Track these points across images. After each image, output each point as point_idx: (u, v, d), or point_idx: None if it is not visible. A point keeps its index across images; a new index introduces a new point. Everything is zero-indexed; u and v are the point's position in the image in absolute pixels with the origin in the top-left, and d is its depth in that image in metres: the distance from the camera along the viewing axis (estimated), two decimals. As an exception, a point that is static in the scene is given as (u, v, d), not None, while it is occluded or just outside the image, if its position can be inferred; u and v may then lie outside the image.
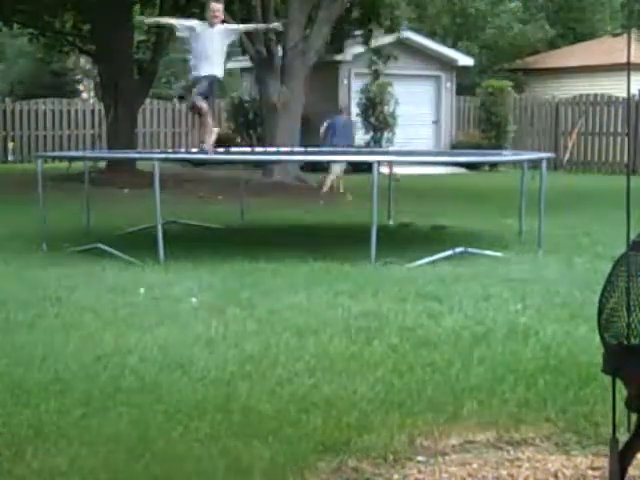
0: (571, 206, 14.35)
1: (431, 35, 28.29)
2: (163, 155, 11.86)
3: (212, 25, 9.80)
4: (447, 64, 26.63)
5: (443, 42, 28.34)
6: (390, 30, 20.92)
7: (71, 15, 22.79)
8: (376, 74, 21.67)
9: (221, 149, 13.63)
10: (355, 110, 25.03)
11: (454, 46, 28.23)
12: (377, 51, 21.37)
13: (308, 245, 10.09)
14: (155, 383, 4.95)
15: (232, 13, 19.04)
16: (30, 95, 28.66)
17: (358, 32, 21.50)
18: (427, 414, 4.45)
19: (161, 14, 20.79)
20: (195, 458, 3.93)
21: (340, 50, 21.71)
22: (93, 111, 26.85)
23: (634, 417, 3.25)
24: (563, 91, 26.90)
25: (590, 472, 3.86)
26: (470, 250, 9.45)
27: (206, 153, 10.48)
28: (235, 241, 10.85)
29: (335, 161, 15.80)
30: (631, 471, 3.37)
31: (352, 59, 23.55)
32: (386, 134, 24.78)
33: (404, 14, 21.49)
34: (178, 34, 10.20)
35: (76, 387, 4.86)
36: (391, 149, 21.35)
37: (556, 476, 3.83)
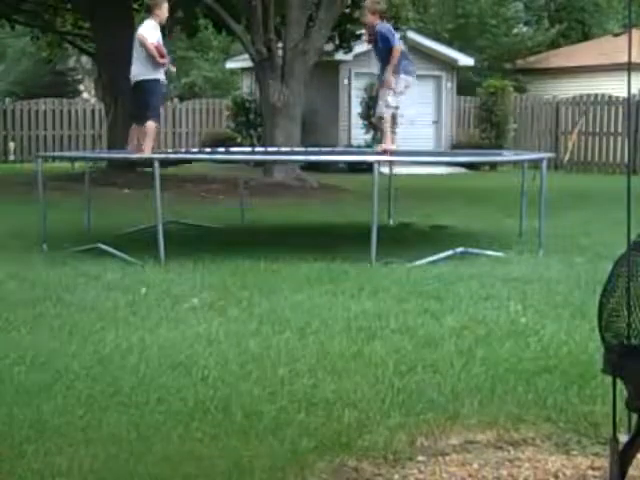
0: (571, 206, 14.34)
1: (434, 36, 28.23)
2: (163, 155, 11.85)
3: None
4: (447, 64, 26.61)
5: (449, 44, 28.26)
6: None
7: (72, 14, 22.81)
8: None
9: (221, 149, 13.65)
10: (356, 109, 25.06)
11: (461, 50, 28.13)
12: None
13: (308, 245, 10.08)
14: (155, 383, 4.95)
15: (234, 14, 19.07)
16: (30, 95, 28.68)
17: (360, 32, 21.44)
18: (427, 414, 4.45)
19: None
20: (195, 458, 3.93)
21: (350, 50, 21.67)
22: (94, 111, 26.85)
23: (634, 417, 3.25)
24: (563, 91, 26.88)
25: (590, 472, 3.86)
26: (470, 250, 9.45)
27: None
28: (235, 241, 10.84)
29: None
30: (631, 471, 3.37)
31: (352, 59, 23.53)
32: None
33: (406, 22, 21.45)
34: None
35: (77, 387, 4.86)
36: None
37: (556, 476, 3.83)
